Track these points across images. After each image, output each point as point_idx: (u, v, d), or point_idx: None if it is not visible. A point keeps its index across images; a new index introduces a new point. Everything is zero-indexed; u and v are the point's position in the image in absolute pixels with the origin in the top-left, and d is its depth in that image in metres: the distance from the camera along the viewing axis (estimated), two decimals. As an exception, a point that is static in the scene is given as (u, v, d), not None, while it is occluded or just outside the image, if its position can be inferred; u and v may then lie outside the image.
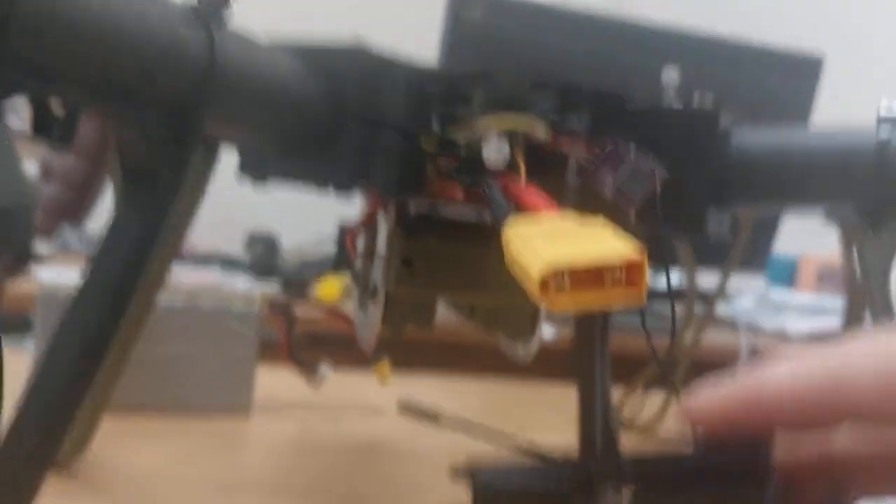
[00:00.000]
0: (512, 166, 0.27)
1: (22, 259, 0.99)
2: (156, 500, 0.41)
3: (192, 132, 0.21)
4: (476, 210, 0.30)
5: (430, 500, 0.45)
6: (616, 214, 0.25)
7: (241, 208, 1.64)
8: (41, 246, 1.01)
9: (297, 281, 1.03)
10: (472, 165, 0.27)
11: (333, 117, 0.25)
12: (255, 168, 0.30)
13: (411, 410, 0.42)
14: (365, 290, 0.35)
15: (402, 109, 0.26)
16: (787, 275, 1.56)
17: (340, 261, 0.38)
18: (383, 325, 0.34)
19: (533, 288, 0.19)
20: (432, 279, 0.32)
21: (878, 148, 0.27)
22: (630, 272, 0.19)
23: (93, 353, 0.21)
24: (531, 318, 0.35)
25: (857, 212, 0.28)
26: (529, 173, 0.27)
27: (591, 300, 0.20)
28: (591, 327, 0.48)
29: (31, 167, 1.27)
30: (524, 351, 0.36)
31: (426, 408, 0.43)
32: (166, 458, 0.47)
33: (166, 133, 0.20)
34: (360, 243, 0.36)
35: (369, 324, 0.34)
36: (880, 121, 0.27)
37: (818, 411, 0.18)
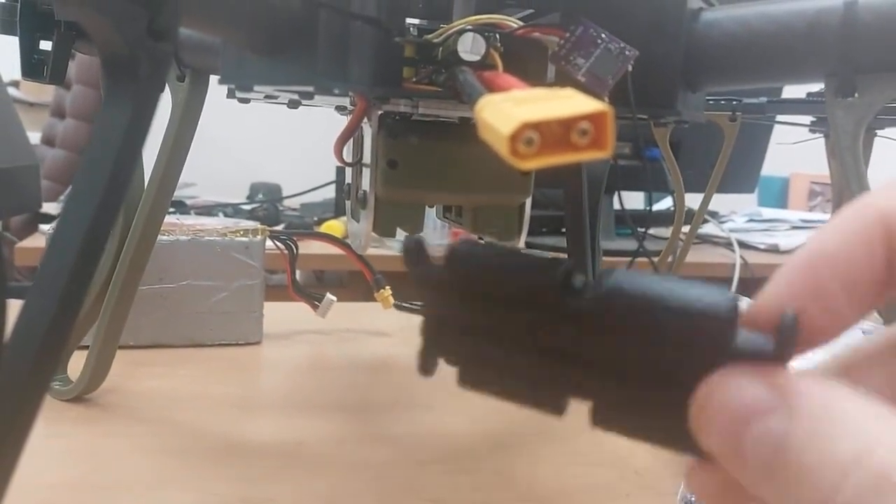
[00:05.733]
0: (488, 64, 0.28)
1: (32, 219, 1.01)
2: (174, 420, 0.43)
3: (166, 23, 0.22)
4: (454, 105, 0.31)
5: (441, 402, 0.46)
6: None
7: (244, 164, 1.65)
8: (49, 207, 1.03)
9: (300, 225, 1.05)
10: (449, 65, 0.28)
11: (306, 7, 0.26)
12: (238, 77, 0.31)
13: (404, 308, 0.44)
14: (356, 199, 0.36)
15: (373, 1, 0.27)
16: (778, 194, 1.56)
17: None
18: (374, 231, 0.35)
19: (503, 147, 0.20)
20: (417, 179, 0.33)
21: (845, 9, 0.27)
22: (597, 127, 0.20)
23: (92, 248, 0.22)
24: (516, 218, 0.36)
25: (827, 81, 0.29)
26: (506, 69, 0.27)
27: (560, 156, 0.20)
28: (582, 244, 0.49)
29: (33, 136, 1.28)
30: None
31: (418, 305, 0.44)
32: (183, 381, 0.49)
33: (142, 25, 0.21)
34: (348, 156, 0.37)
35: (361, 231, 0.35)
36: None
37: None
